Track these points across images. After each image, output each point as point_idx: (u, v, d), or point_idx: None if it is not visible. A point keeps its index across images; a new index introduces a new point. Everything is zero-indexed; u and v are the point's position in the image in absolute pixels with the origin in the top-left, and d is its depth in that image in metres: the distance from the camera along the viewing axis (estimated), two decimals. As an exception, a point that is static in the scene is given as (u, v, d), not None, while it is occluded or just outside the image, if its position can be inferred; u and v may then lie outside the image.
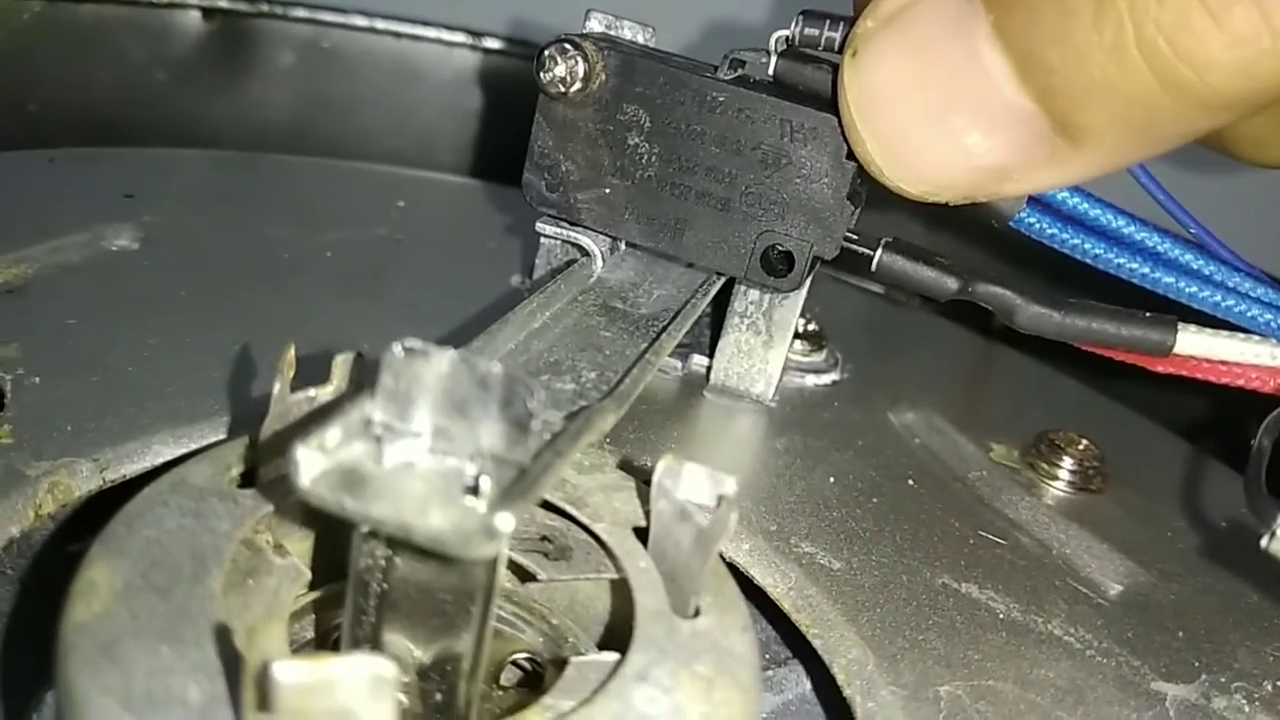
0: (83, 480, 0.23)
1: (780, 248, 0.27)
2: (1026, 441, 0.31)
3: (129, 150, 0.41)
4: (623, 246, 0.30)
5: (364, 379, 0.19)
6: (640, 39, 0.29)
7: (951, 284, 0.26)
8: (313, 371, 0.20)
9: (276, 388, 0.19)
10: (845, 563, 0.25)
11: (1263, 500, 0.20)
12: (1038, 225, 0.25)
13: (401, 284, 0.34)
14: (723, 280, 0.30)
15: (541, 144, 0.28)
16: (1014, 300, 0.25)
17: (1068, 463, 0.30)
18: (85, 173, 0.38)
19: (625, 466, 0.22)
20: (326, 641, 0.20)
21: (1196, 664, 0.25)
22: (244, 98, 0.47)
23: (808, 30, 0.25)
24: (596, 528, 0.21)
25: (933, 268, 0.26)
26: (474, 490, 0.16)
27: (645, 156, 0.27)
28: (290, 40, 0.47)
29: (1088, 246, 0.24)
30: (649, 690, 0.17)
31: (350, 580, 0.18)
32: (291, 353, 0.19)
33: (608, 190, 0.28)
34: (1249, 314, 0.24)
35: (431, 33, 0.48)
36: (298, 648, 0.20)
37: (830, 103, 0.26)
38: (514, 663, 0.22)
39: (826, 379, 0.34)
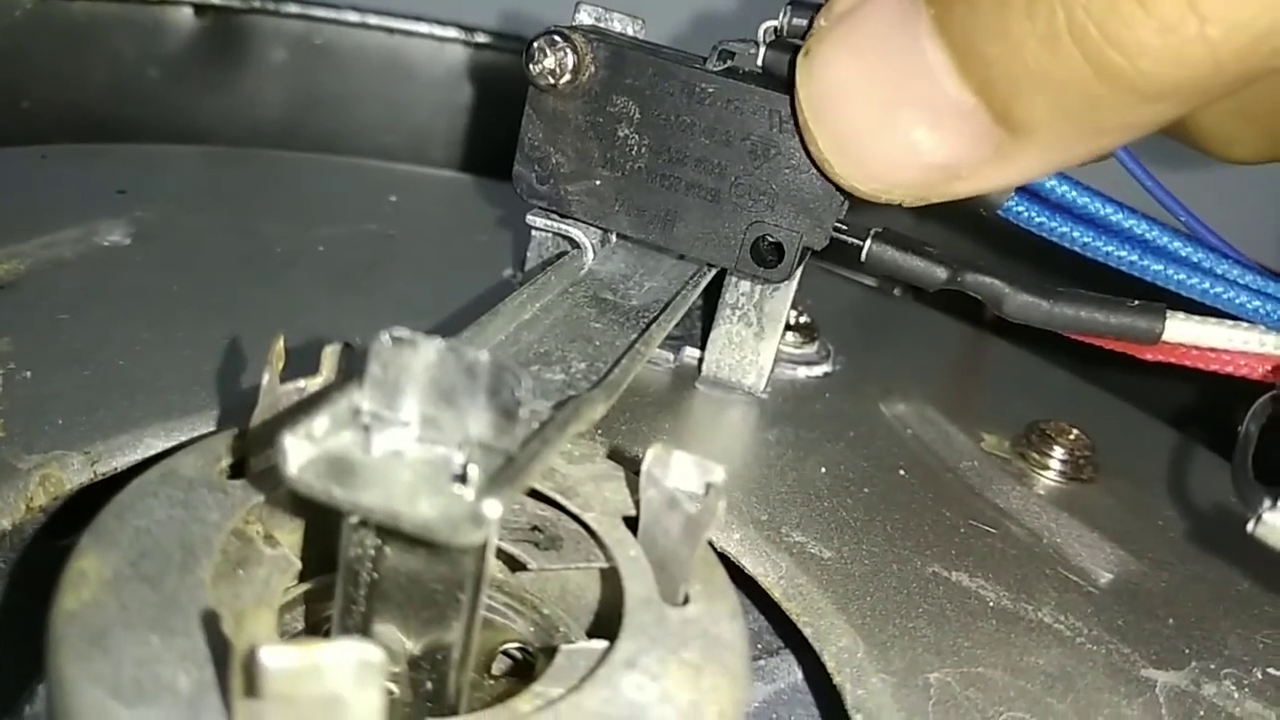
0: (74, 473, 0.23)
1: (770, 238, 0.27)
2: (1017, 431, 0.31)
3: (121, 146, 0.41)
4: (614, 238, 0.30)
5: (353, 369, 0.19)
6: (630, 31, 0.29)
7: (940, 273, 0.26)
8: (304, 364, 0.20)
9: (266, 379, 0.19)
10: (836, 552, 0.26)
11: (1249, 485, 0.20)
12: (1026, 214, 0.25)
13: (394, 278, 0.34)
14: (714, 272, 0.30)
15: (531, 136, 0.28)
16: (1002, 289, 0.25)
17: (1058, 452, 0.30)
18: (78, 169, 0.38)
19: (615, 456, 0.22)
20: (317, 632, 0.20)
21: (1186, 651, 0.25)
22: (236, 94, 0.47)
23: (795, 20, 0.25)
24: (586, 517, 0.21)
25: (922, 258, 0.26)
26: (462, 478, 0.16)
27: (635, 148, 0.27)
28: (282, 36, 0.47)
29: (1076, 235, 0.25)
30: (638, 677, 0.17)
31: (340, 570, 0.18)
32: (281, 344, 0.19)
33: (598, 182, 0.28)
34: (1237, 300, 0.24)
35: (423, 28, 0.48)
36: (289, 638, 0.20)
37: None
38: (505, 652, 0.22)
39: (818, 371, 0.34)
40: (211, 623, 0.16)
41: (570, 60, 0.27)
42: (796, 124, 0.23)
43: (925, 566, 0.26)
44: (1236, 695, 0.24)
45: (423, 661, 0.19)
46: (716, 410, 0.31)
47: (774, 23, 0.26)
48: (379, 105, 0.47)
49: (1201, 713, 0.24)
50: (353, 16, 0.47)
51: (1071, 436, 0.31)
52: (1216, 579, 0.28)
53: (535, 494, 0.22)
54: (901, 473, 0.29)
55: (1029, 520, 0.29)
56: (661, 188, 0.28)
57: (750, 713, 0.25)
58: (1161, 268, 0.24)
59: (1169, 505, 0.31)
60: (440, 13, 0.48)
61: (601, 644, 0.18)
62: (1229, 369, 0.25)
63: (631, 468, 0.22)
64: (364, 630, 0.19)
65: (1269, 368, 0.24)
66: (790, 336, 0.34)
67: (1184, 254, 0.24)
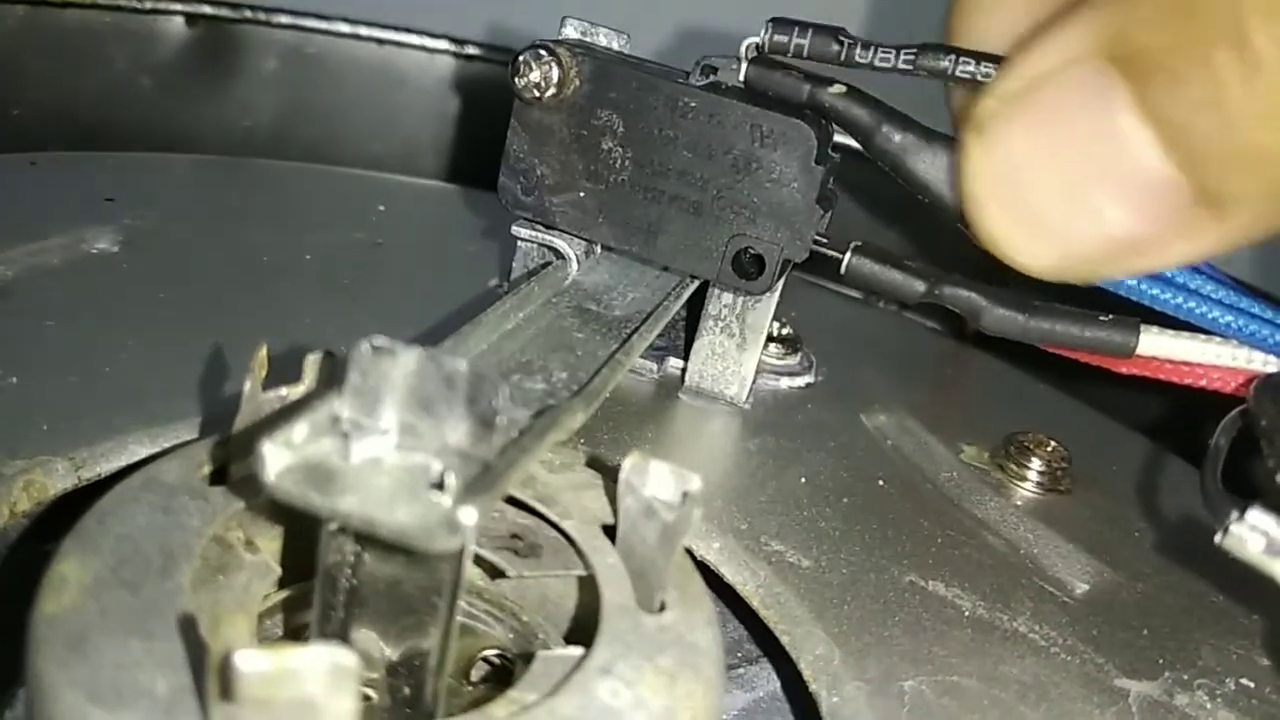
0: (58, 479, 0.23)
1: (751, 251, 0.28)
2: (996, 443, 0.32)
3: (110, 154, 0.41)
4: (598, 250, 0.31)
5: (335, 378, 0.20)
6: (615, 45, 0.29)
7: (919, 286, 0.26)
8: (289, 371, 0.20)
9: (247, 386, 0.19)
10: (814, 561, 0.26)
11: (1218, 498, 0.20)
12: (1002, 229, 0.25)
13: (380, 287, 0.34)
14: (696, 284, 0.30)
15: (516, 148, 0.28)
16: (980, 303, 0.26)
17: (1036, 464, 0.31)
18: (66, 176, 0.38)
19: (595, 465, 0.23)
20: (297, 639, 0.21)
21: (1160, 661, 0.26)
22: (228, 103, 0.48)
23: (777, 37, 0.26)
24: (566, 525, 0.21)
25: (901, 271, 0.27)
26: (439, 485, 0.17)
27: (619, 161, 0.28)
28: (274, 46, 0.47)
29: (1051, 250, 0.25)
30: (612, 683, 0.18)
31: (318, 576, 0.18)
32: (263, 352, 0.20)
33: (582, 194, 0.28)
34: (1210, 315, 0.24)
35: (414, 39, 0.48)
36: (266, 644, 0.20)
37: (798, 109, 0.26)
38: (484, 659, 0.22)
39: (800, 381, 0.34)
40: (189, 628, 0.16)
41: (555, 74, 0.27)
42: (961, 203, 0.23)
43: (902, 576, 0.26)
44: (1209, 705, 0.25)
45: (401, 668, 0.19)
46: (699, 420, 0.31)
47: (756, 39, 0.26)
48: (369, 115, 0.48)
49: (1173, 722, 0.24)
50: (344, 27, 0.48)
51: (1049, 448, 0.31)
52: (1191, 590, 0.28)
53: (515, 502, 0.22)
54: (881, 483, 0.30)
55: (1006, 531, 0.29)
56: (644, 200, 0.28)
57: (728, 720, 0.25)
58: (1135, 283, 0.24)
59: (1145, 517, 0.31)
60: (431, 24, 0.48)
61: (578, 650, 0.19)
62: (1202, 383, 0.25)
63: (612, 477, 0.22)
64: (342, 636, 0.19)
65: (1240, 382, 0.25)
66: (773, 348, 0.34)
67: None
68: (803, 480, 0.29)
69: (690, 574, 0.21)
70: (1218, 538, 0.20)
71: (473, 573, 0.23)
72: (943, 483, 0.30)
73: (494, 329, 0.24)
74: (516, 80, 0.27)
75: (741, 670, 0.27)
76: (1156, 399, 0.29)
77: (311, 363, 0.20)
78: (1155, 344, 0.25)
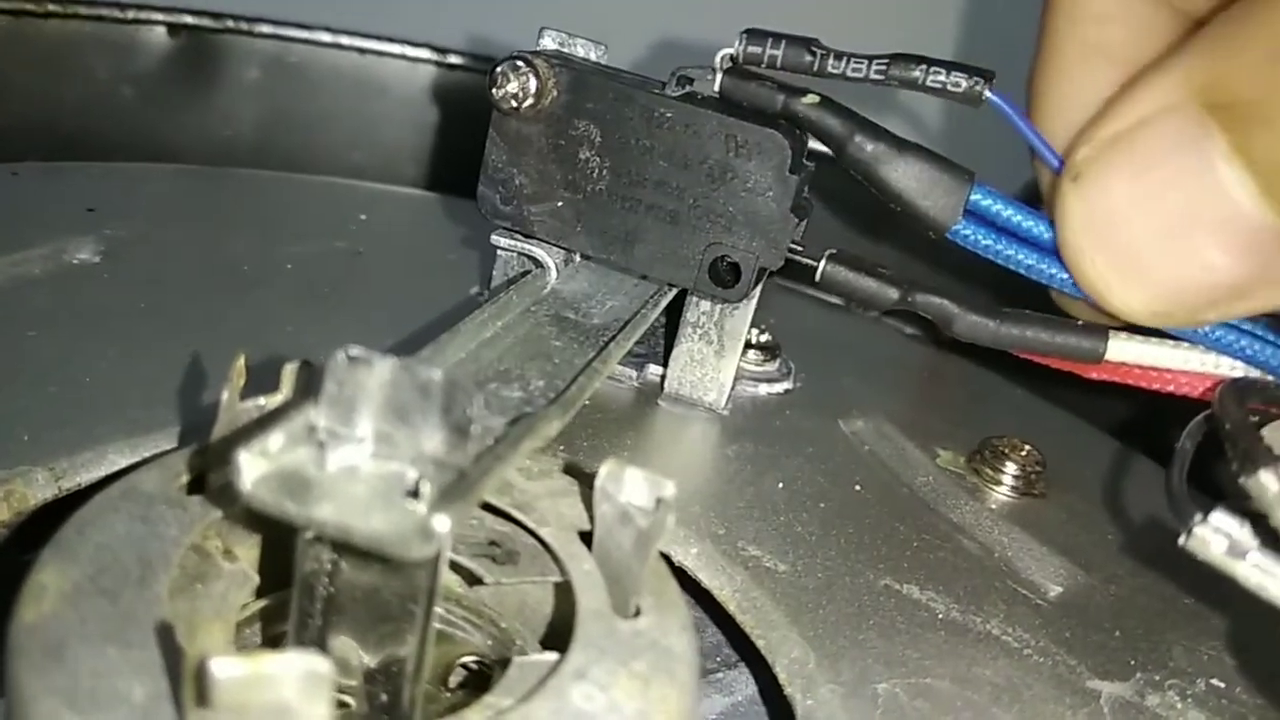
0: (39, 489, 0.24)
1: (728, 259, 0.28)
2: (971, 448, 0.32)
3: (91, 164, 0.41)
4: (577, 258, 0.31)
5: (312, 387, 0.20)
6: (593, 56, 0.29)
7: (892, 293, 0.27)
8: (270, 381, 0.21)
9: (225, 396, 0.20)
10: (790, 565, 0.26)
11: (1182, 500, 0.20)
12: (973, 237, 0.25)
13: (361, 295, 0.34)
14: (674, 292, 0.30)
15: (495, 158, 0.29)
16: (952, 309, 0.26)
17: (1011, 468, 0.31)
18: (48, 186, 0.38)
19: (572, 471, 0.23)
20: (276, 647, 0.21)
21: (1132, 663, 0.26)
22: (210, 113, 0.48)
23: (751, 48, 0.26)
24: (543, 532, 0.21)
25: (874, 278, 0.27)
26: (414, 493, 0.17)
27: (596, 170, 0.28)
28: (255, 56, 0.47)
29: (1021, 257, 0.25)
30: (586, 687, 0.18)
31: (295, 584, 0.19)
32: (241, 362, 0.20)
33: (560, 203, 0.29)
34: (1176, 322, 0.25)
35: (395, 49, 0.48)
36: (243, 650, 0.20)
37: (773, 119, 0.27)
38: (463, 665, 0.23)
39: (779, 388, 0.34)
40: (166, 635, 0.17)
41: (533, 85, 0.27)
42: (1061, 249, 0.23)
43: (878, 580, 0.26)
44: (1180, 705, 0.25)
45: (378, 674, 0.19)
46: (678, 426, 0.31)
47: (730, 50, 0.27)
48: (351, 124, 0.48)
49: (1144, 723, 0.24)
50: (325, 37, 0.48)
51: (1024, 453, 0.31)
52: (1164, 592, 0.29)
53: (493, 509, 0.22)
54: (857, 488, 0.30)
55: (981, 534, 0.29)
56: (622, 209, 0.28)
57: (707, 724, 0.26)
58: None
59: (1118, 520, 0.31)
60: (413, 34, 0.49)
61: (553, 656, 0.19)
62: (1170, 387, 0.26)
63: (589, 483, 0.22)
64: (320, 644, 0.19)
65: (1207, 386, 0.25)
66: (752, 354, 0.34)
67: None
68: (780, 486, 0.29)
69: (666, 579, 0.21)
70: (1181, 539, 0.20)
71: (450, 580, 0.23)
72: (919, 487, 0.31)
73: (472, 337, 0.24)
74: (494, 91, 0.27)
75: (720, 675, 0.27)
76: (1131, 403, 0.30)
77: (289, 372, 0.20)
78: (1124, 350, 0.25)
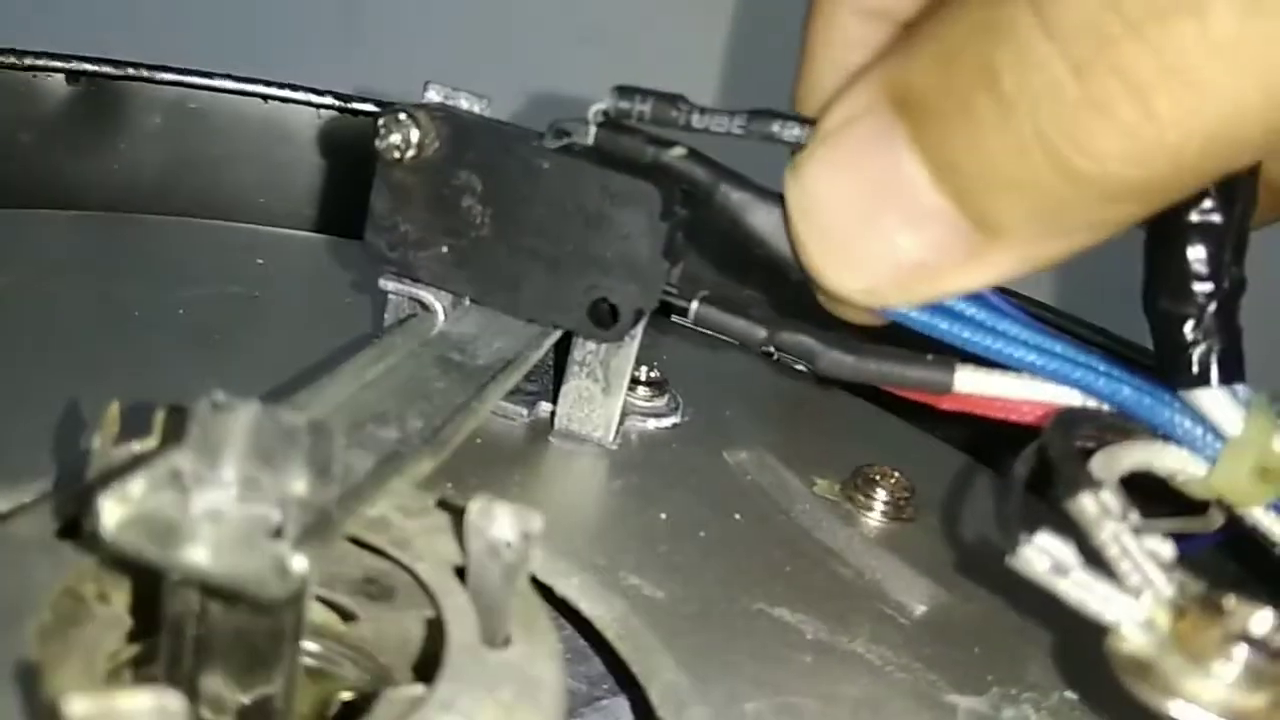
0: (-86, 538, 0.24)
1: (607, 301, 0.29)
2: (846, 476, 0.34)
3: (-15, 211, 0.41)
4: (467, 301, 0.32)
5: (182, 432, 0.20)
6: (476, 109, 0.31)
7: (760, 332, 0.28)
8: (151, 427, 0.21)
9: (97, 443, 0.20)
10: (668, 593, 0.27)
11: (1011, 524, 0.22)
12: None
13: (253, 340, 0.35)
14: (559, 333, 0.32)
15: (381, 206, 0.30)
16: (814, 347, 0.27)
17: (881, 494, 0.33)
18: (-61, 234, 0.38)
19: (448, 507, 0.24)
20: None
21: (990, 677, 0.27)
22: (110, 159, 0.48)
23: (621, 104, 0.27)
24: (418, 568, 0.22)
25: (743, 318, 0.28)
26: (277, 534, 0.18)
27: (479, 218, 0.29)
28: (157, 103, 0.48)
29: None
30: (452, 717, 0.19)
31: (164, 626, 0.19)
32: (114, 409, 0.21)
33: (445, 249, 0.30)
34: (1015, 355, 0.26)
35: (300, 95, 0.49)
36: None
37: (644, 169, 0.28)
38: (344, 701, 0.23)
39: (667, 422, 0.36)
40: (29, 677, 0.17)
41: (414, 135, 0.28)
42: (788, 232, 0.25)
43: (751, 604, 0.28)
44: (1034, 718, 0.27)
45: (251, 712, 0.20)
46: (566, 462, 0.32)
47: (603, 105, 0.28)
48: (254, 170, 0.48)
49: (999, 734, 0.26)
50: (228, 83, 0.48)
51: (893, 480, 0.33)
52: (1024, 610, 0.31)
53: (370, 547, 0.23)
54: (737, 517, 0.31)
55: (853, 558, 0.31)
56: (505, 255, 0.29)
57: (589, 751, 0.26)
58: (947, 326, 0.26)
59: (983, 542, 0.33)
60: (317, 81, 0.49)
61: (421, 688, 0.20)
62: (1014, 416, 0.27)
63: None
64: (191, 684, 0.19)
65: (1047, 413, 0.27)
66: (641, 390, 0.36)
67: (969, 314, 0.27)
68: (663, 517, 0.30)
69: (537, 610, 0.22)
70: (1008, 558, 0.21)
71: (330, 617, 0.24)
72: (796, 515, 0.32)
73: (352, 380, 0.25)
74: (378, 142, 0.28)
75: (605, 702, 0.28)
76: (999, 430, 0.31)
77: (161, 418, 0.21)
78: (970, 380, 0.27)
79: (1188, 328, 0.25)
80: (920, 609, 0.29)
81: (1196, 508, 0.28)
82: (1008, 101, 0.20)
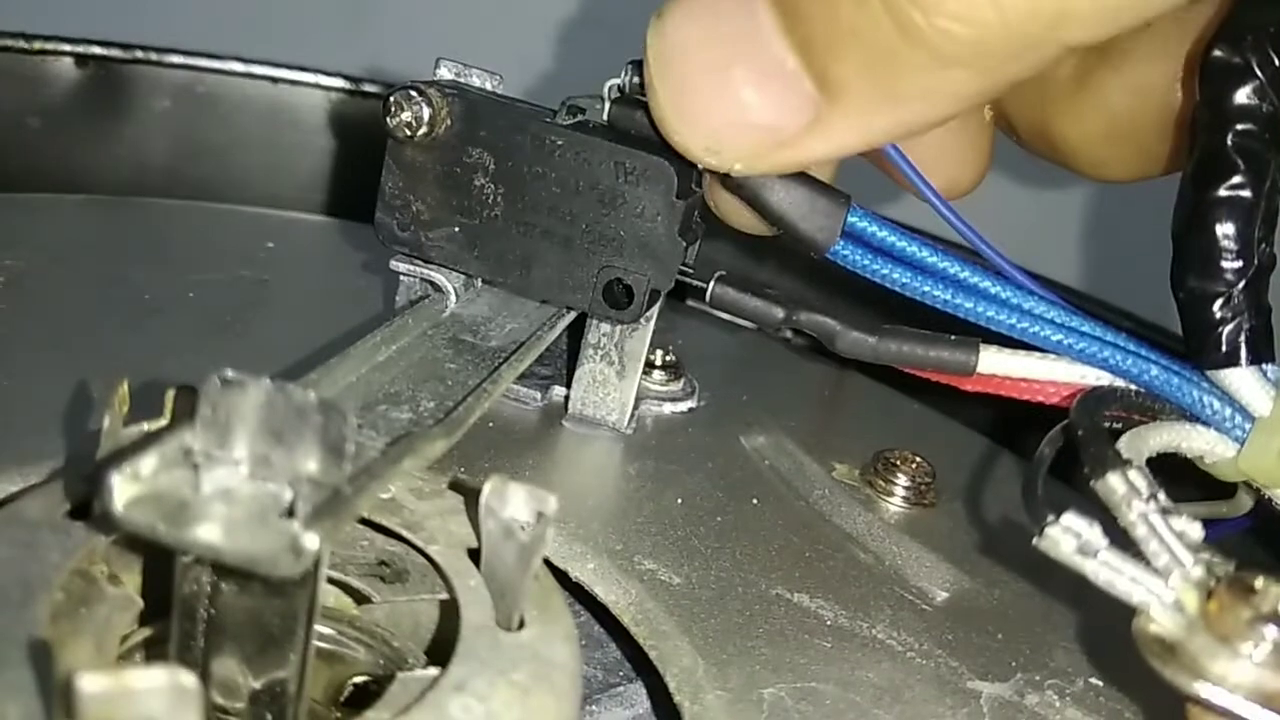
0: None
1: (621, 282, 0.29)
2: (866, 461, 0.33)
3: (-6, 195, 0.41)
4: (478, 282, 0.32)
5: (193, 411, 0.20)
6: (488, 86, 0.30)
7: (778, 313, 0.28)
8: (162, 408, 0.21)
9: (107, 422, 0.20)
10: (685, 578, 0.27)
11: (1037, 504, 0.21)
12: (851, 256, 0.27)
13: (263, 323, 0.35)
14: (572, 314, 0.31)
15: (392, 186, 0.29)
16: (834, 327, 0.27)
17: (902, 480, 0.32)
18: (-52, 218, 0.38)
19: (462, 489, 0.23)
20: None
21: (1013, 664, 0.27)
22: (119, 143, 0.47)
23: (636, 78, 0.27)
24: (431, 550, 0.22)
25: (761, 299, 0.28)
26: (289, 513, 0.17)
27: (491, 197, 0.29)
28: (166, 86, 0.47)
29: (896, 275, 0.26)
30: (465, 699, 0.18)
31: (175, 607, 0.19)
32: (124, 388, 0.20)
33: (456, 229, 0.29)
34: (1042, 334, 0.26)
35: (308, 77, 0.48)
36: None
37: (660, 145, 0.28)
38: (356, 685, 0.23)
39: (683, 407, 0.35)
40: (42, 656, 0.17)
41: (426, 113, 0.28)
42: (647, 112, 0.25)
43: (769, 589, 0.27)
44: (1058, 704, 0.26)
45: (262, 695, 0.20)
46: (580, 446, 0.32)
47: (617, 80, 0.28)
48: (263, 153, 0.48)
49: (1023, 720, 0.25)
50: (237, 66, 0.48)
51: (914, 464, 0.32)
52: (1047, 595, 0.30)
53: (384, 530, 0.23)
54: (755, 501, 0.31)
55: (872, 544, 0.30)
56: (517, 235, 0.29)
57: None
58: (972, 305, 0.26)
59: (1005, 527, 0.33)
60: (325, 63, 0.49)
61: (435, 670, 0.19)
62: (1040, 397, 0.27)
63: (477, 501, 0.23)
64: (202, 666, 0.19)
65: (1072, 394, 0.26)
66: (657, 374, 0.35)
67: (994, 292, 0.26)
68: (679, 501, 0.30)
69: (552, 592, 0.22)
70: (1035, 540, 0.21)
71: (343, 601, 0.23)
72: (815, 500, 0.32)
73: (363, 361, 0.25)
74: (389, 120, 0.28)
75: (621, 688, 0.28)
76: (1021, 413, 0.31)
77: (170, 397, 0.20)
78: (994, 362, 0.26)
79: (1216, 306, 0.24)
80: (942, 595, 0.29)
81: (1224, 492, 0.27)
82: None
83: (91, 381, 0.28)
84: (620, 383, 0.32)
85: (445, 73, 0.30)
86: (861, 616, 0.27)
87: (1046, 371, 0.26)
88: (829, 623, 0.26)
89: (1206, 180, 0.24)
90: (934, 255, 0.26)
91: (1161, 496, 0.22)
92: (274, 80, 0.48)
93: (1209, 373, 0.25)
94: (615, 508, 0.29)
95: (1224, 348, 0.24)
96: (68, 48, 0.46)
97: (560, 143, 0.28)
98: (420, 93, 0.28)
